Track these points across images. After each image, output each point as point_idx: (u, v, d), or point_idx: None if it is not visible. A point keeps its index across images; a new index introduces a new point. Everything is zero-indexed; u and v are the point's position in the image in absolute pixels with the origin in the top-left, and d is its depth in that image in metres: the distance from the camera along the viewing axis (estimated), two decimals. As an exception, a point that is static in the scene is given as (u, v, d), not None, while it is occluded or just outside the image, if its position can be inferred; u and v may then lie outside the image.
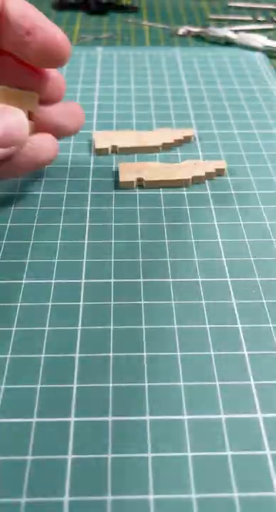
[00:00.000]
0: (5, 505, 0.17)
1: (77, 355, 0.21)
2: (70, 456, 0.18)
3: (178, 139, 0.35)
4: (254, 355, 0.22)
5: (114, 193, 0.30)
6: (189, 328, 0.23)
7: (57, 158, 0.30)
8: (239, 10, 0.59)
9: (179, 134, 0.35)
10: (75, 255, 0.26)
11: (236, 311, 0.23)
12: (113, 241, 0.27)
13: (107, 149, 0.34)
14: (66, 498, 0.17)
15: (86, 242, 0.27)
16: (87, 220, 0.28)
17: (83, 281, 0.25)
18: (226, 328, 0.23)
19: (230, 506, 0.17)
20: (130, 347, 0.22)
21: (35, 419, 0.19)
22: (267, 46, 0.48)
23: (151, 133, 0.35)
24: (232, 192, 0.31)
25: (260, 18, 0.56)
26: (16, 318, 0.23)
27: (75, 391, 0.20)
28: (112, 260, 0.26)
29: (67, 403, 0.20)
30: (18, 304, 0.23)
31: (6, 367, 0.21)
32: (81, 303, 0.24)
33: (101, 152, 0.34)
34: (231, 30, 0.52)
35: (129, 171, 0.31)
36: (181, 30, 0.53)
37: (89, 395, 0.20)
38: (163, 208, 0.29)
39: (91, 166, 0.33)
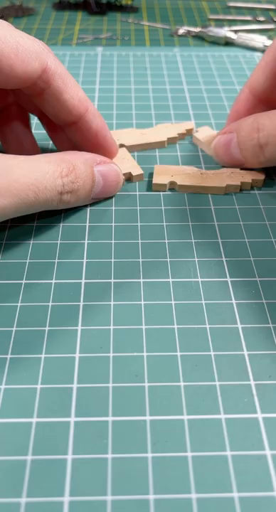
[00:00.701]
0: (5, 505, 0.17)
1: (77, 355, 0.21)
2: (70, 456, 0.18)
3: (181, 132, 0.35)
4: (254, 355, 0.22)
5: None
6: (189, 328, 0.23)
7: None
8: (239, 10, 0.59)
9: (181, 127, 0.35)
10: (75, 255, 0.26)
11: (236, 312, 0.23)
12: (113, 241, 0.27)
13: None
14: (66, 498, 0.17)
15: (86, 242, 0.27)
16: (87, 220, 0.28)
17: (83, 281, 0.25)
18: (226, 328, 0.23)
19: (230, 506, 0.17)
20: (130, 347, 0.22)
21: (35, 419, 0.19)
22: (266, 46, 0.48)
23: (153, 129, 0.35)
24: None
25: (260, 18, 0.56)
26: (16, 319, 0.23)
27: (75, 391, 0.20)
28: (112, 260, 0.26)
29: (67, 403, 0.20)
30: (18, 304, 0.23)
31: (7, 367, 0.21)
32: (81, 303, 0.24)
33: None
34: (231, 30, 0.52)
35: (164, 173, 0.31)
36: (181, 30, 0.53)
37: (89, 395, 0.20)
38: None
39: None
